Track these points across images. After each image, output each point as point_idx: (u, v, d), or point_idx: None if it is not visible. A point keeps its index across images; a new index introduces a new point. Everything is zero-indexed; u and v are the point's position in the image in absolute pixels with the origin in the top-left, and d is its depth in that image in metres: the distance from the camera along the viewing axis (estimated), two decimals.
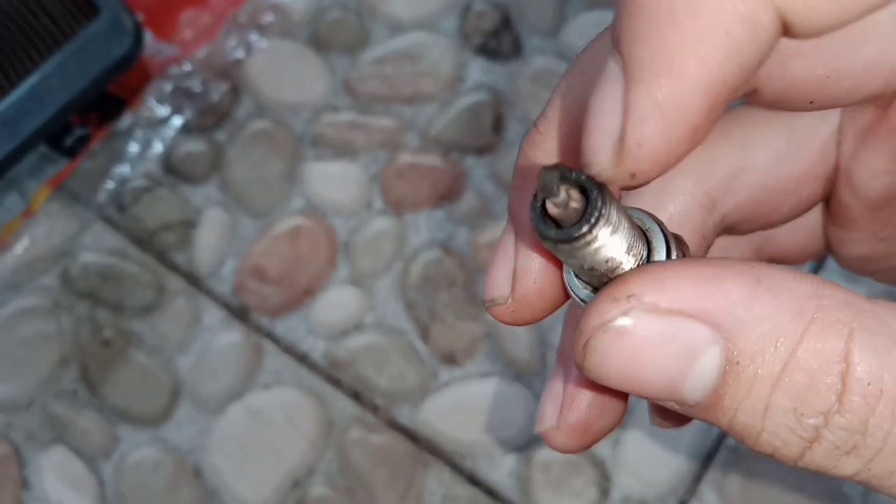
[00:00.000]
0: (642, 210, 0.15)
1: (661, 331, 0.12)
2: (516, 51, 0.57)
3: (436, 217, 0.54)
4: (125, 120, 0.55)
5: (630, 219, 0.14)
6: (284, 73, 0.57)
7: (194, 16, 0.57)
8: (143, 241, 0.54)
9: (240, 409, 0.51)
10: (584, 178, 0.13)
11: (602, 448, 0.49)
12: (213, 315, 0.52)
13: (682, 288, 0.12)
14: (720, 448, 0.49)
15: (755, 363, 0.12)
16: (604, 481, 0.48)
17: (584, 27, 0.57)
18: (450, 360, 0.51)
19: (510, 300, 0.16)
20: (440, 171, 0.54)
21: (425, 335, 0.51)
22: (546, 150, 0.16)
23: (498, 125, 0.55)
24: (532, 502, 0.48)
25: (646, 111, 0.12)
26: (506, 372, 0.50)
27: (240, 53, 0.57)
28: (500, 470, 0.49)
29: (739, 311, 0.12)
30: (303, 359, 0.51)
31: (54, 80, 0.50)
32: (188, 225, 0.55)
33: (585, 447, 0.16)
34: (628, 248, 0.14)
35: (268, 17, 0.57)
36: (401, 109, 0.56)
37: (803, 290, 0.12)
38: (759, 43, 0.13)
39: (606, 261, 0.13)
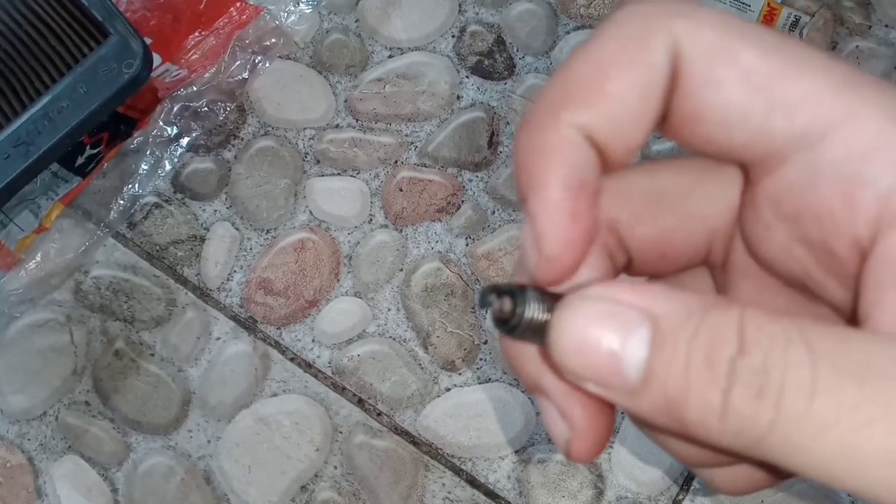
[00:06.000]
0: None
1: (601, 310, 0.15)
2: (510, 70, 0.58)
3: (435, 229, 0.55)
4: (135, 139, 0.56)
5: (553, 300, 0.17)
6: (288, 94, 0.58)
7: (200, 39, 0.58)
8: (154, 255, 0.55)
9: (248, 417, 0.51)
10: (507, 286, 0.17)
11: None
12: (221, 326, 0.53)
13: (615, 289, 0.16)
14: None
15: (674, 332, 0.14)
16: (599, 482, 0.49)
17: (574, 46, 0.58)
18: (449, 366, 0.52)
19: (574, 432, 0.17)
20: (438, 185, 0.55)
21: (426, 343, 0.52)
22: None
23: (493, 141, 0.56)
24: (530, 503, 0.49)
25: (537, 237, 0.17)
26: (503, 377, 0.51)
27: (245, 75, 0.57)
28: (499, 472, 0.50)
29: (659, 300, 0.15)
30: (308, 367, 0.52)
31: (65, 102, 0.50)
32: (197, 240, 0.55)
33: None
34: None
35: (271, 40, 0.58)
36: (400, 127, 0.57)
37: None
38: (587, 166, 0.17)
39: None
